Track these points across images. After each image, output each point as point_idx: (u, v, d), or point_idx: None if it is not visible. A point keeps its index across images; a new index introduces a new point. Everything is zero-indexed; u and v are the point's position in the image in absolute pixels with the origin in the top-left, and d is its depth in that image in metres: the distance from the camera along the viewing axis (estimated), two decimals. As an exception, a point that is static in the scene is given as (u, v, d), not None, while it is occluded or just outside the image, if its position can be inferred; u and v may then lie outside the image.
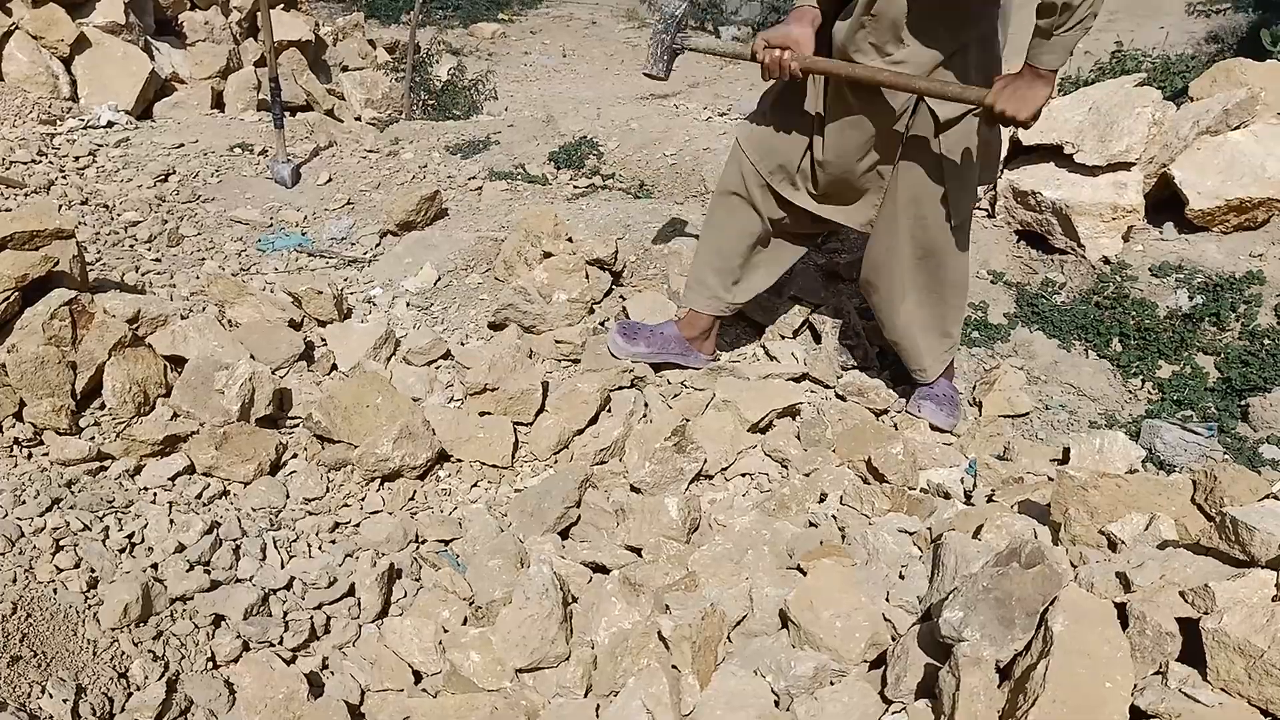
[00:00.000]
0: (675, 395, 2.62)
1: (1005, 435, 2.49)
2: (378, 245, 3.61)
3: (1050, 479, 2.09)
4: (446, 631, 1.89)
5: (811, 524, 2.05)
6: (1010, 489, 2.04)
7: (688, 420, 2.45)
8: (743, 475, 2.38)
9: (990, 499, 2.03)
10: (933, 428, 2.58)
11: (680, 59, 2.47)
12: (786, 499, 2.16)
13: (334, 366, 2.79)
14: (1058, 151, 3.27)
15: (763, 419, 2.47)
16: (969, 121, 2.27)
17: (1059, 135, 3.26)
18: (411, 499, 2.38)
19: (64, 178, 3.81)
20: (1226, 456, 2.53)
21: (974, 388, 2.81)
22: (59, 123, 4.31)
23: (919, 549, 1.93)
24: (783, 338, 2.90)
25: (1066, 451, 2.35)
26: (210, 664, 1.86)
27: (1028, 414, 2.68)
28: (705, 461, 2.37)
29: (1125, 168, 3.19)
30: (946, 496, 2.13)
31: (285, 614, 1.98)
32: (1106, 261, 3.13)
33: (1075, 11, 1.97)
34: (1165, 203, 3.30)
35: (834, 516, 2.07)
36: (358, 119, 5.92)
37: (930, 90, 2.17)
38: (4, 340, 2.46)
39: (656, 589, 1.81)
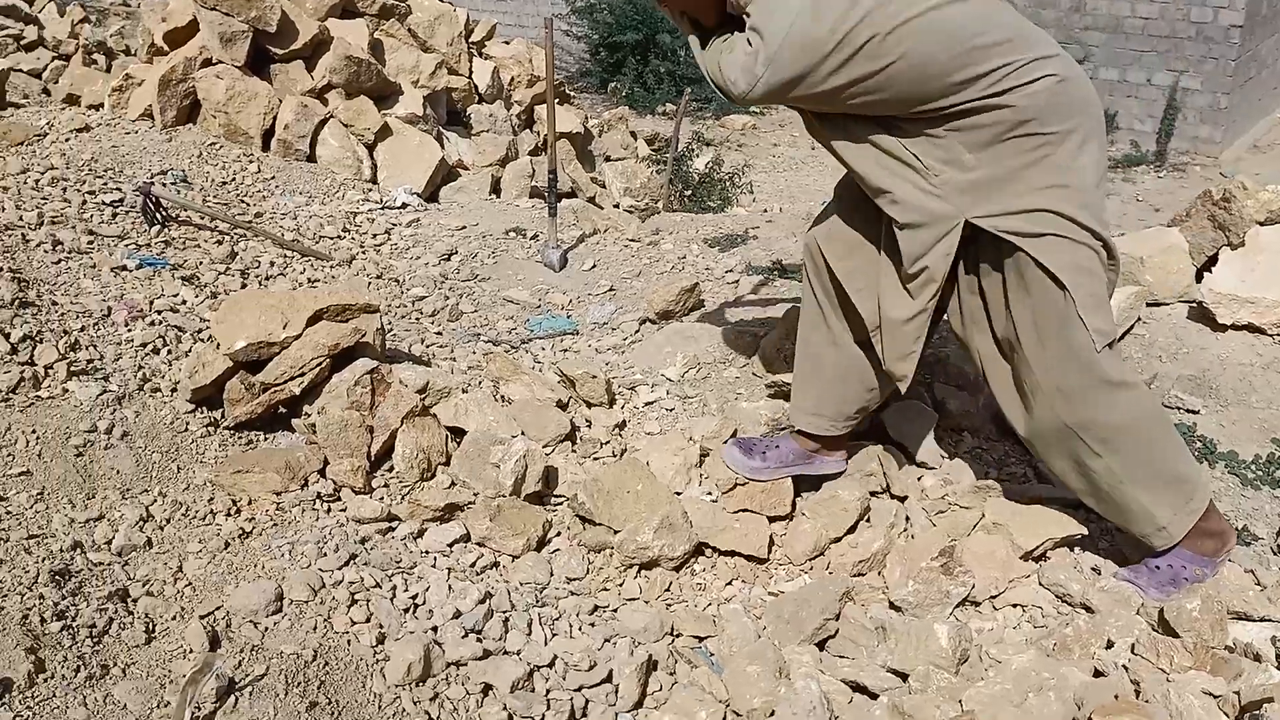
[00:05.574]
0: (940, 512, 2.52)
1: (1324, 591, 2.22)
2: (636, 332, 3.74)
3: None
4: (703, 734, 1.87)
5: (1098, 672, 1.90)
6: (1344, 662, 1.81)
7: (955, 541, 2.35)
8: (1014, 606, 2.25)
9: (1320, 672, 1.80)
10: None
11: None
12: (1069, 640, 2.01)
13: (598, 448, 2.88)
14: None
15: (1038, 547, 2.33)
16: None
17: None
18: (667, 590, 2.40)
19: (363, 253, 4.20)
20: None
21: (1278, 533, 2.54)
22: (361, 203, 4.76)
23: (1226, 716, 1.74)
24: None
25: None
26: (478, 733, 1.93)
27: (1348, 570, 2.38)
28: (973, 587, 2.25)
29: None
30: (1257, 658, 1.92)
31: (548, 692, 2.03)
32: None
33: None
34: None
35: (1125, 667, 1.90)
36: (616, 206, 6.22)
37: None
38: (314, 402, 2.72)
39: (929, 722, 1.73)
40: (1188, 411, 2.92)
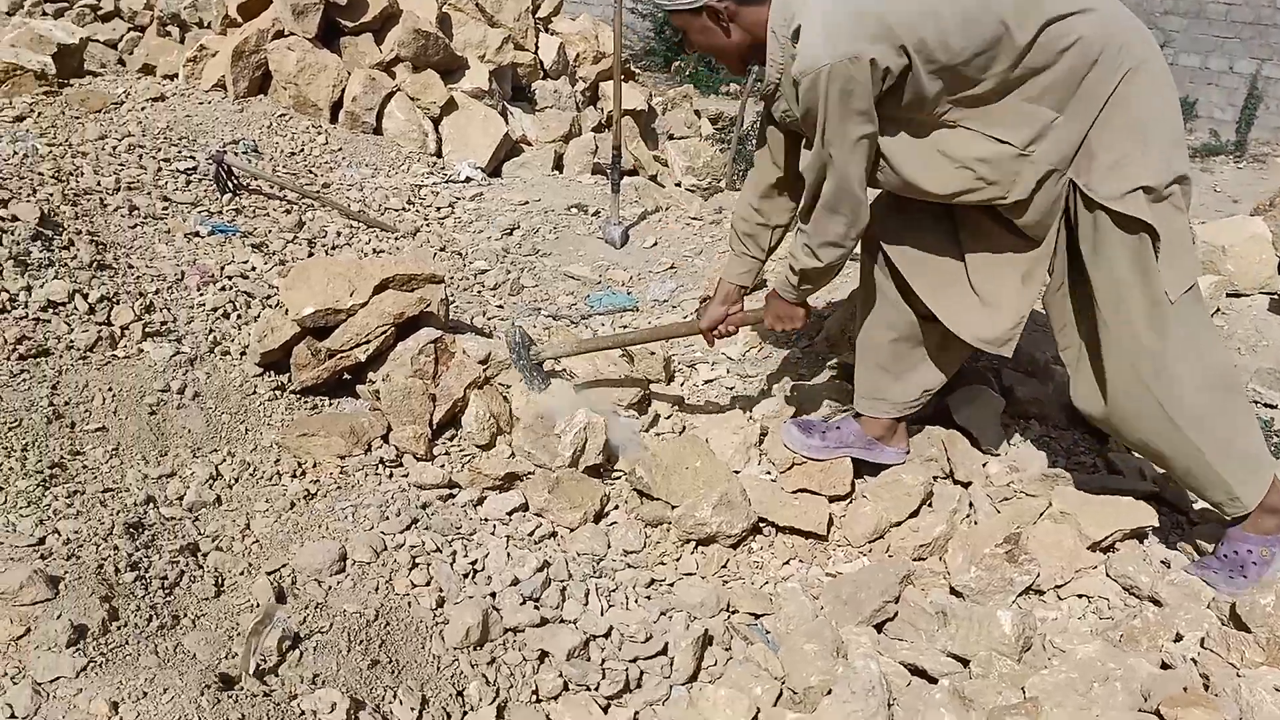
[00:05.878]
0: (1005, 499, 2.48)
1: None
2: (697, 310, 3.72)
3: None
4: (759, 710, 1.87)
5: (1166, 665, 1.85)
6: None
7: (1020, 528, 2.30)
8: (1080, 596, 2.20)
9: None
10: None
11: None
12: (1137, 631, 1.96)
13: (654, 421, 2.88)
14: None
15: (1106, 538, 2.28)
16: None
17: None
18: (724, 566, 2.39)
19: (427, 226, 4.23)
20: None
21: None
22: (426, 176, 4.79)
23: (1299, 715, 1.69)
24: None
25: None
26: (534, 697, 1.95)
27: None
28: (1038, 575, 2.21)
29: None
30: (1335, 659, 1.86)
31: (603, 661, 2.04)
32: None
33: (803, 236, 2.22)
34: None
35: (1194, 661, 1.86)
36: (678, 185, 6.18)
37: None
38: (378, 369, 2.76)
39: (990, 709, 1.70)
40: (1266, 406, 2.83)
